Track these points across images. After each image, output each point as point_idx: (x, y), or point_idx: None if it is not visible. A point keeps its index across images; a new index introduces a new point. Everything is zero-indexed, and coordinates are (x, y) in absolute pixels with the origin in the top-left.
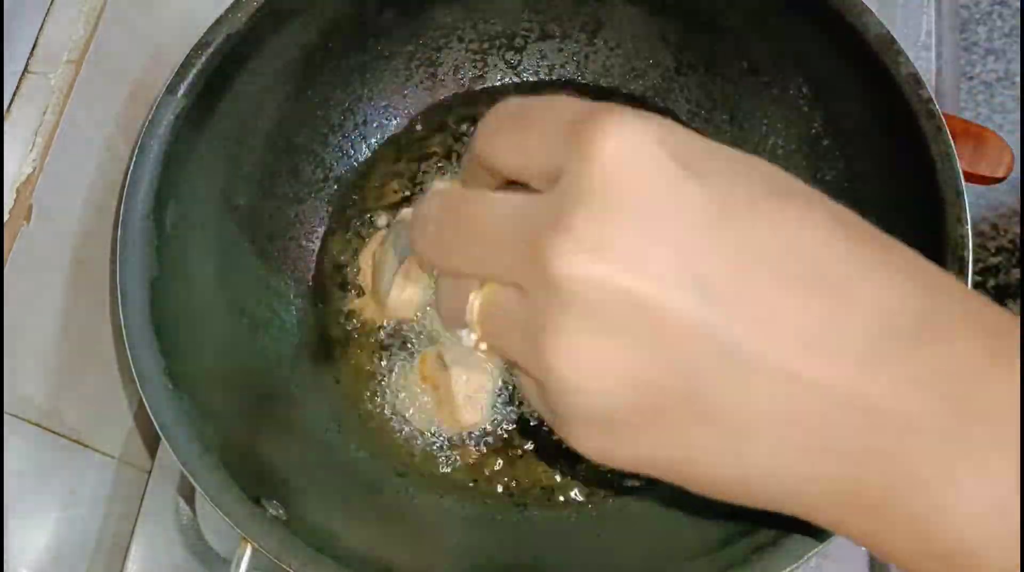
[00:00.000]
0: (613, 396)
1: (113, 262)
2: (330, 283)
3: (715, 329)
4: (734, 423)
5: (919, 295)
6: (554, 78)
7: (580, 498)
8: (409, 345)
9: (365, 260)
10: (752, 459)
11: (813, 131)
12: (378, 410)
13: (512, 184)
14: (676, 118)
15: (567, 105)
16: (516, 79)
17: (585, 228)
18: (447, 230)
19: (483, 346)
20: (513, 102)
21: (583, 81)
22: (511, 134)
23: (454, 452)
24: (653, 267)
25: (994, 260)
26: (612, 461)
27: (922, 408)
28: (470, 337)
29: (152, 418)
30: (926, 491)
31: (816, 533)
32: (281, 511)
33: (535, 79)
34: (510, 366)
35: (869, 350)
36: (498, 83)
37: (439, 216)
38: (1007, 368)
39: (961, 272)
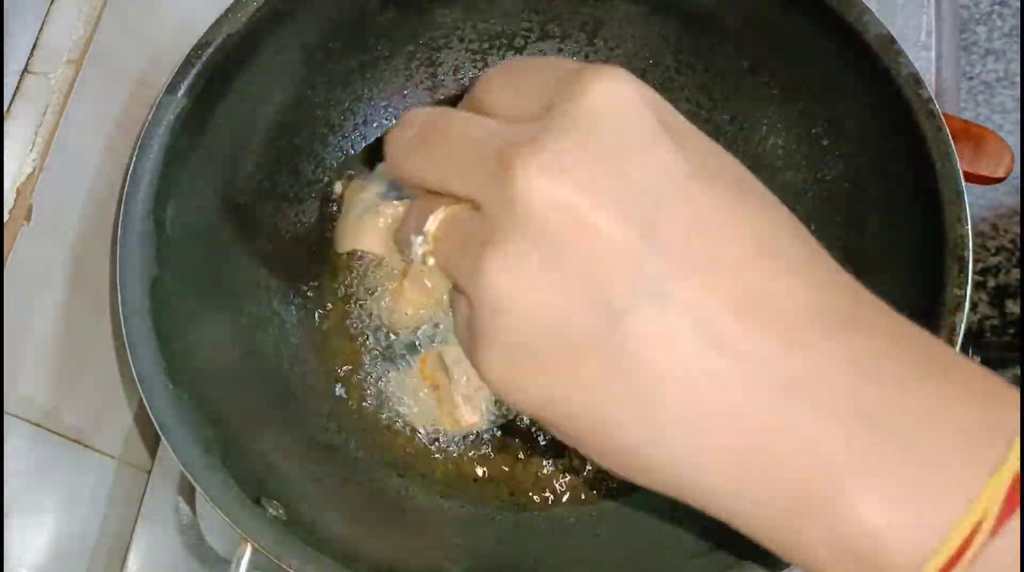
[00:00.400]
0: (531, 321)
1: (113, 262)
2: (330, 283)
3: (651, 273)
4: (648, 380)
5: (857, 298)
6: None
7: (579, 498)
8: (410, 345)
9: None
10: (661, 424)
11: (813, 131)
12: (378, 410)
13: None
14: None
15: (569, 61)
16: None
17: (557, 152)
18: (424, 142)
19: (430, 259)
20: (519, 58)
21: None
22: (512, 79)
23: (454, 452)
24: (611, 203)
25: (994, 260)
26: (510, 396)
27: (839, 391)
28: (420, 246)
29: (152, 418)
30: (836, 481)
31: None
32: (281, 511)
33: None
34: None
35: (797, 328)
36: None
37: (418, 128)
38: (923, 374)
39: (961, 272)
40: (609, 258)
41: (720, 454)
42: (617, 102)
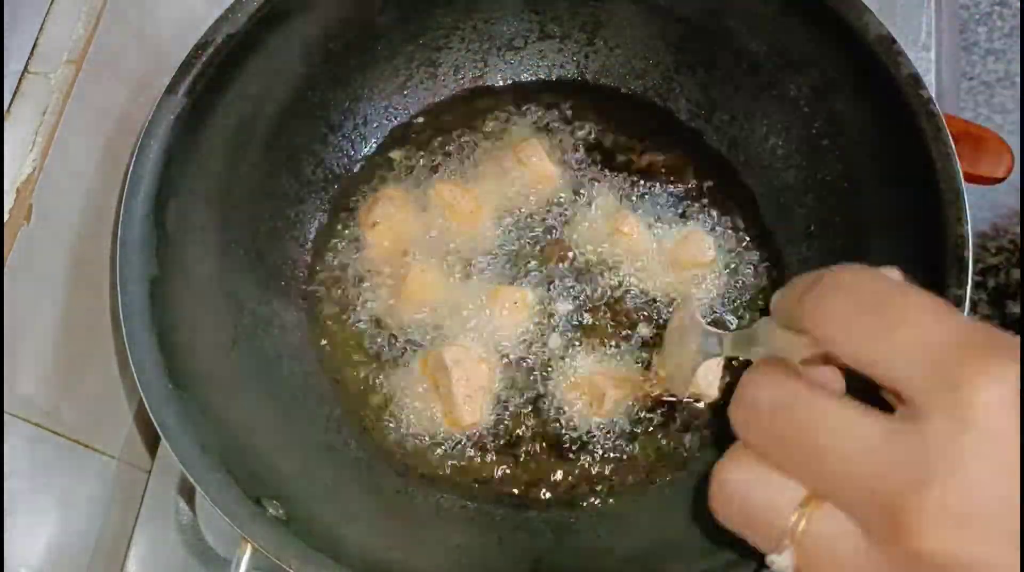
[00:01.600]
0: None
1: (113, 262)
2: (330, 283)
3: None
4: None
5: None
6: (554, 78)
7: (580, 499)
8: (410, 345)
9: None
10: None
11: (813, 131)
12: (378, 410)
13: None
14: (676, 118)
15: (935, 317)
16: (515, 79)
17: (950, 499)
18: (786, 434)
19: (796, 566)
20: (863, 280)
21: (586, 78)
22: (865, 328)
23: (454, 452)
24: (1009, 547)
25: (994, 260)
26: None
27: None
28: (783, 559)
29: (152, 418)
30: None
31: None
32: (281, 511)
33: (534, 79)
34: None
35: None
36: (499, 83)
37: (774, 415)
38: None
39: (961, 272)
40: None
41: None
42: (1004, 418)
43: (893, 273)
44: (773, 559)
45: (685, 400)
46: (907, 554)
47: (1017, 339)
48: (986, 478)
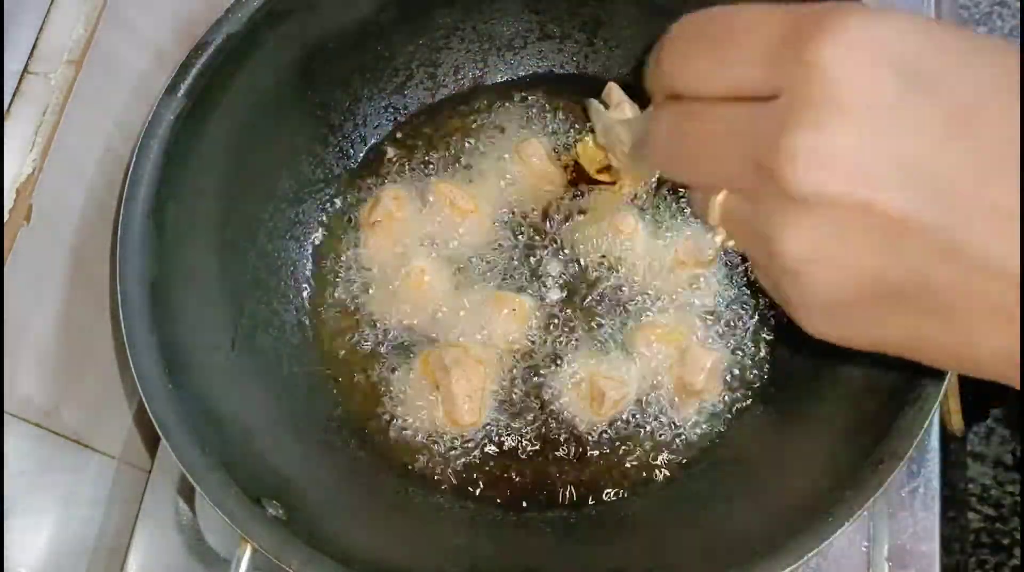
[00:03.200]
0: (843, 290)
1: (113, 262)
2: (330, 283)
3: (942, 231)
4: (959, 314)
5: None
6: (554, 78)
7: (580, 500)
8: (410, 346)
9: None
10: (974, 347)
11: None
12: (377, 410)
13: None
14: None
15: (765, 14)
16: (515, 79)
17: (806, 141)
18: (678, 148)
19: (730, 243)
20: (696, 19)
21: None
22: (710, 55)
23: (454, 452)
24: (881, 178)
25: None
26: (841, 341)
27: None
28: (715, 237)
29: (152, 418)
30: None
31: (814, 535)
32: (281, 511)
33: (534, 79)
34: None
35: None
36: (499, 83)
37: (667, 136)
38: None
39: None
40: (899, 227)
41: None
42: (851, 69)
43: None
44: (709, 235)
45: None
46: (777, 194)
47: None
48: (837, 115)
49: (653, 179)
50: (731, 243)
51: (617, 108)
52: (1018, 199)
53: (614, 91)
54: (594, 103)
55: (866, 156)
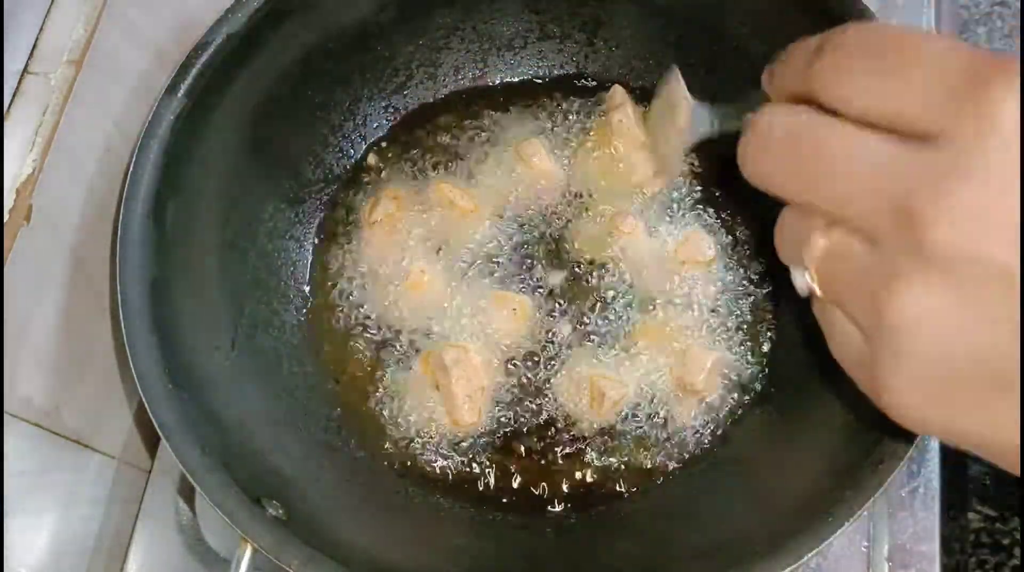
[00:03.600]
0: (953, 359)
1: (113, 262)
2: (330, 283)
3: None
4: None
5: None
6: (554, 78)
7: (580, 500)
8: (410, 346)
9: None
10: None
11: None
12: (378, 410)
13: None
14: None
15: (946, 50)
16: (515, 79)
17: (967, 199)
18: (801, 159)
19: (817, 289)
20: (868, 31)
21: (587, 78)
22: (877, 76)
23: (454, 453)
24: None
25: None
26: (922, 427)
27: None
28: (804, 277)
29: (152, 418)
30: None
31: (814, 534)
32: (281, 511)
33: (534, 79)
34: (830, 305)
35: None
36: (499, 83)
37: (790, 141)
38: None
39: None
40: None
41: None
42: (1005, 133)
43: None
44: (793, 275)
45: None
46: (913, 245)
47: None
48: (1008, 180)
49: (672, 183)
50: (818, 289)
51: (619, 110)
52: None
53: (617, 93)
54: (676, 72)
55: (1017, 221)
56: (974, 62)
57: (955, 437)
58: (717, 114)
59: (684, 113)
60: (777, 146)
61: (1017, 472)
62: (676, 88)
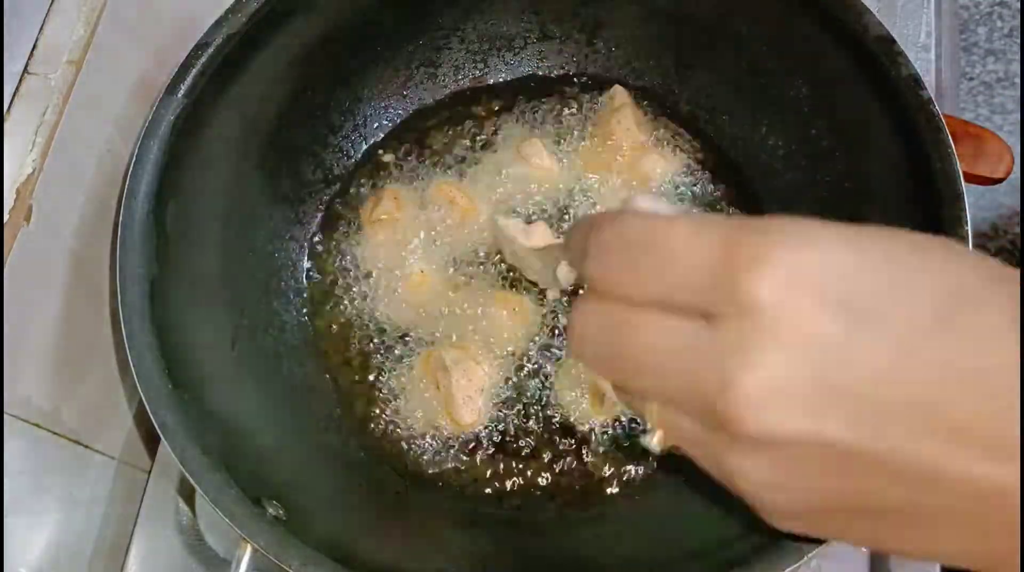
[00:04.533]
0: (804, 506)
1: (113, 262)
2: (330, 283)
3: (891, 454)
4: (920, 524)
5: None
6: (554, 78)
7: (580, 500)
8: (410, 346)
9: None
10: (934, 544)
11: (813, 132)
12: (377, 411)
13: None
14: (677, 119)
15: (699, 239)
16: (515, 79)
17: (759, 383)
18: (612, 355)
19: (668, 444)
20: (618, 226)
21: (587, 78)
22: (643, 267)
23: (454, 453)
24: (829, 411)
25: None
26: (804, 531)
27: None
28: (651, 437)
29: (152, 418)
30: None
31: None
32: (281, 511)
33: (535, 79)
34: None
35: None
36: (499, 84)
37: (599, 338)
38: None
39: None
40: (846, 455)
41: (983, 553)
42: (792, 308)
43: (656, 203)
44: (644, 437)
45: None
46: (736, 439)
47: (777, 219)
48: (780, 360)
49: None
50: (670, 444)
51: (619, 110)
52: (968, 414)
53: (618, 93)
54: (501, 222)
55: (814, 391)
56: (721, 244)
57: (831, 538)
58: (554, 253)
59: (525, 259)
60: (592, 345)
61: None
62: (505, 235)
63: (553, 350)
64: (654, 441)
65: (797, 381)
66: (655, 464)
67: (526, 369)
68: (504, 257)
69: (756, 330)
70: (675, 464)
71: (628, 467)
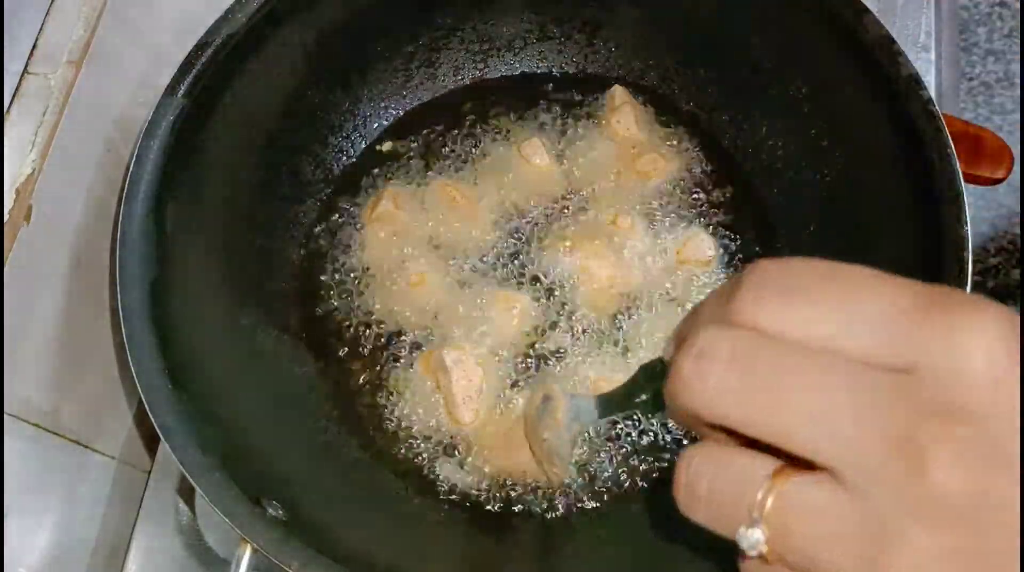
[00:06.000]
0: None
1: (113, 263)
2: (330, 283)
3: None
4: None
5: None
6: (554, 78)
7: (580, 501)
8: (410, 346)
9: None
10: None
11: (813, 132)
12: (377, 411)
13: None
14: (677, 119)
15: (891, 284)
16: (515, 79)
17: (970, 435)
18: (758, 384)
19: (764, 549)
20: (790, 265)
21: (587, 78)
22: (816, 305)
23: (454, 453)
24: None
25: (993, 261)
26: None
27: None
28: (752, 536)
29: (152, 418)
30: None
31: None
32: (281, 511)
33: (535, 79)
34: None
35: None
36: (500, 84)
37: (740, 363)
38: None
39: (961, 273)
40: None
41: None
42: (993, 369)
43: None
44: (742, 534)
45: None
46: (917, 488)
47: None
48: (999, 414)
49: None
50: (764, 548)
51: (619, 110)
52: None
53: (618, 93)
54: (555, 388)
55: (1008, 466)
56: (921, 291)
57: None
58: (601, 403)
59: (562, 408)
60: (724, 369)
61: None
62: (545, 394)
63: (554, 349)
64: (751, 535)
65: (1003, 442)
66: (656, 464)
67: (526, 370)
68: (527, 430)
69: (971, 387)
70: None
71: (629, 468)
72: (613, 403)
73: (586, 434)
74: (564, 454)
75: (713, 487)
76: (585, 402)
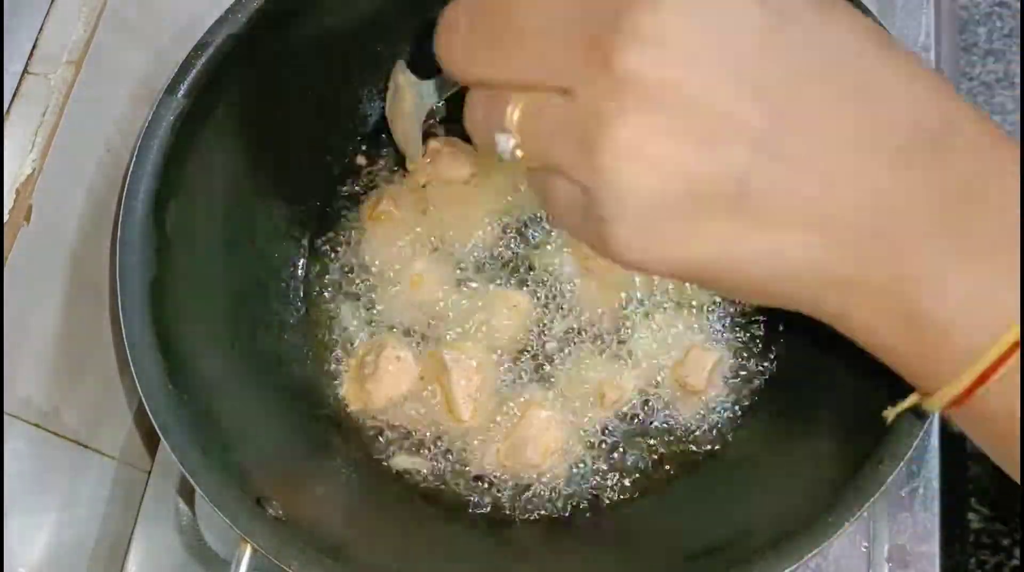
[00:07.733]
0: (665, 192)
1: (113, 262)
2: (330, 283)
3: (767, 133)
4: (775, 219)
5: (941, 110)
6: None
7: (580, 501)
8: (410, 345)
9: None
10: (784, 256)
11: None
12: (378, 411)
13: None
14: None
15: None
16: None
17: (650, 25)
18: (483, 32)
19: (519, 153)
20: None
21: None
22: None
23: (454, 453)
24: (717, 71)
25: None
26: (649, 264)
27: (935, 209)
28: (508, 142)
29: (152, 419)
30: (921, 280)
31: (814, 535)
32: (281, 511)
33: None
34: (543, 173)
35: (897, 155)
36: None
37: (473, 15)
38: (1009, 185)
39: None
40: (724, 124)
41: (832, 276)
42: None
43: None
44: (498, 139)
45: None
46: (607, 80)
47: None
48: (679, 8)
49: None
50: (520, 153)
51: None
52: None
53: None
54: (401, 63)
55: (701, 47)
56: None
57: (669, 267)
58: (437, 84)
59: (409, 95)
60: (462, 26)
61: (752, 299)
62: (399, 75)
63: (554, 349)
64: (509, 142)
65: (692, 32)
66: (655, 465)
67: (525, 369)
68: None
69: None
70: (675, 467)
71: (628, 469)
72: (448, 82)
73: None
74: (414, 136)
75: (476, 115)
76: (426, 86)
